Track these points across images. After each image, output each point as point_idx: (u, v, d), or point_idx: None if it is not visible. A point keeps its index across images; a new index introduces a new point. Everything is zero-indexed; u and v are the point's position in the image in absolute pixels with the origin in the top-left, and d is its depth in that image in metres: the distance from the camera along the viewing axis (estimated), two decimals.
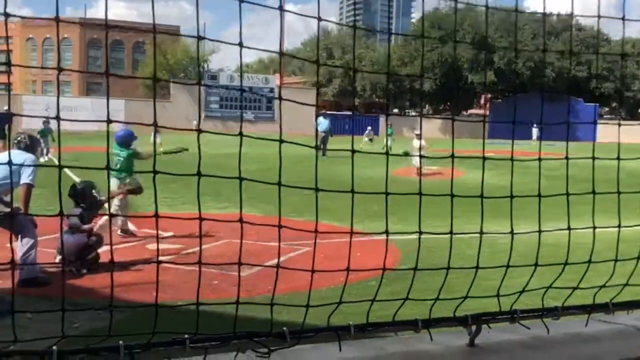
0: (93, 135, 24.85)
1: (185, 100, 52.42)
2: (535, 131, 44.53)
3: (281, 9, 2.29)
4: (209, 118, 53.54)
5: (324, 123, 27.75)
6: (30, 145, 7.64)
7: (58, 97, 1.91)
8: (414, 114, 67.87)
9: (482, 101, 68.69)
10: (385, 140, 19.72)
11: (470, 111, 66.79)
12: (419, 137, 21.05)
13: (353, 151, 2.35)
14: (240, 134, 2.11)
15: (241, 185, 2.21)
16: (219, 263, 7.41)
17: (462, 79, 59.17)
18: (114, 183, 9.72)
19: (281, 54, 2.67)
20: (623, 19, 3.92)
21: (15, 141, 7.55)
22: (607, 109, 66.14)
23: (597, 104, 61.63)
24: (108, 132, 2.14)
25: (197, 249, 8.65)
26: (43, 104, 48.42)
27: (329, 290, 6.00)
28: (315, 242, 2.43)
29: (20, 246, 7.23)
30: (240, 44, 2.05)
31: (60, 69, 1.78)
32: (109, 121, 1.94)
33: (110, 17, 1.92)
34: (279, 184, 2.28)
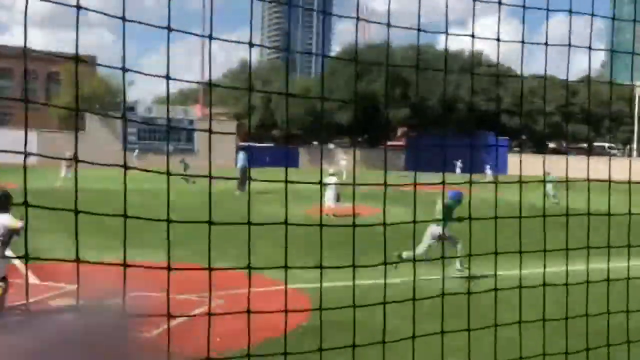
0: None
1: (100, 131, 51.25)
2: (458, 166, 46.51)
3: (210, 37, 2.41)
4: (127, 150, 52.35)
5: (243, 158, 27.23)
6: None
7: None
8: (332, 146, 68.77)
9: (399, 134, 70.57)
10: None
11: (388, 143, 68.28)
12: (333, 174, 21.31)
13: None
14: (168, 173, 2.19)
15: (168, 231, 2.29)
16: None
17: (379, 114, 60.59)
18: (437, 229, 11.05)
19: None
20: (521, 77, 4.28)
21: None
22: (515, 142, 69.25)
23: (508, 138, 64.47)
24: (25, 166, 2.04)
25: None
26: None
27: (240, 352, 5.21)
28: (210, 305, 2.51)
29: None
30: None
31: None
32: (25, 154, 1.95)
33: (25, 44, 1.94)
34: (209, 222, 2.36)
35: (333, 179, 20.51)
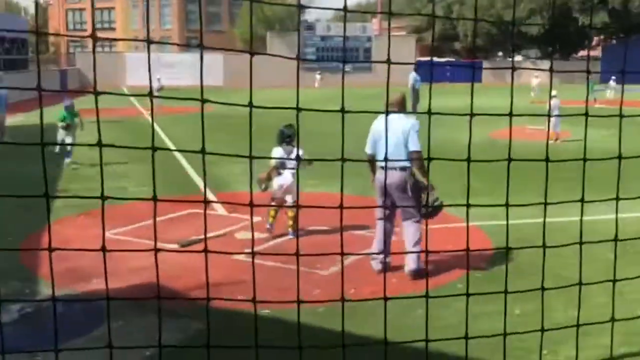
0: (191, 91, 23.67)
1: (281, 52, 51.78)
2: None
3: None
4: (306, 70, 51.77)
5: (413, 78, 25.05)
6: None
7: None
8: (519, 58, 64.43)
9: (594, 43, 64.20)
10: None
11: (581, 53, 62.73)
12: (555, 96, 17.20)
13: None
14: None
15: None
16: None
17: (572, 21, 55.38)
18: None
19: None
20: None
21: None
22: None
23: None
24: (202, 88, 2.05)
25: (284, 239, 7.58)
26: (146, 60, 49.30)
27: (413, 295, 4.83)
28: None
29: (414, 232, 6.29)
30: None
31: None
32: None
33: None
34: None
35: (557, 101, 16.78)
